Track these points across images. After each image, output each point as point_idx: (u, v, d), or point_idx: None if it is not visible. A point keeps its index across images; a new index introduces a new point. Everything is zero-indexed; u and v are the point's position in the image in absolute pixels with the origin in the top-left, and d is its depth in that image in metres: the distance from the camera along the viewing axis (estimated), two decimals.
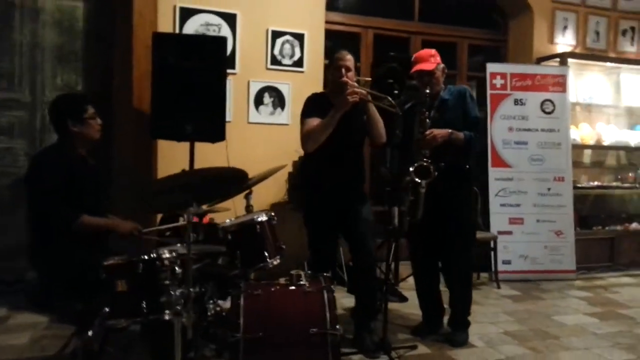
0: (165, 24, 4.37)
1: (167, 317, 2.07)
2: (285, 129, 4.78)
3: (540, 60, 5.54)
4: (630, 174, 5.79)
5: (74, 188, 2.52)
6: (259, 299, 2.33)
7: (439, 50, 3.29)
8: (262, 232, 2.47)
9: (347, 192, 3.09)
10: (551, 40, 5.65)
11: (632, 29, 5.95)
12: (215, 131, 3.66)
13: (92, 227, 2.51)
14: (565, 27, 5.69)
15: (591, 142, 5.58)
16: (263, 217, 2.49)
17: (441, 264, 3.40)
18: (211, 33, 4.49)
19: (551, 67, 5.37)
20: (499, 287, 4.61)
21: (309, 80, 4.84)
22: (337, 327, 2.26)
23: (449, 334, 3.32)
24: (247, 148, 4.51)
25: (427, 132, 3.01)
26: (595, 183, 5.64)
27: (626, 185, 5.73)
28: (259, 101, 4.70)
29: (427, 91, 3.04)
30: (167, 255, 2.19)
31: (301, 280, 2.43)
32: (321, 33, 4.91)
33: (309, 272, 2.54)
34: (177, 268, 2.12)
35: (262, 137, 4.69)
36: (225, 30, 4.57)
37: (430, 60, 3.19)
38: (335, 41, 5.12)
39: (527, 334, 3.48)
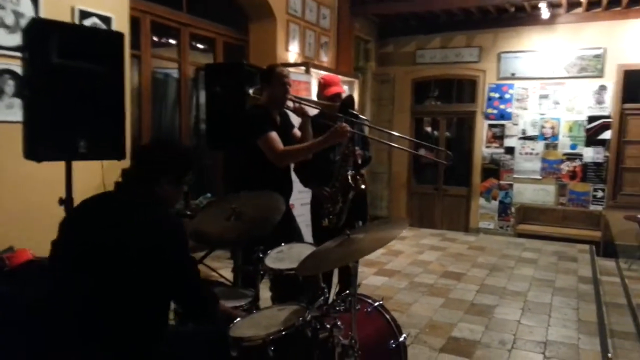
0: None
1: None
2: None
3: (284, 66, 6.35)
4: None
5: None
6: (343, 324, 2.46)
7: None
8: None
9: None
10: (287, 48, 6.55)
11: (326, 43, 7.50)
12: (116, 147, 2.99)
13: (224, 315, 2.00)
14: (294, 37, 6.69)
15: None
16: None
17: None
18: (8, 7, 3.39)
19: (302, 75, 6.29)
20: None
21: None
22: (404, 335, 2.67)
23: None
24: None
25: (356, 150, 3.49)
26: None
27: None
28: None
29: (356, 112, 3.49)
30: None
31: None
32: (126, 18, 4.31)
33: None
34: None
35: None
36: (27, 6, 3.51)
37: (339, 84, 3.68)
38: None
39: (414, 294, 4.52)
